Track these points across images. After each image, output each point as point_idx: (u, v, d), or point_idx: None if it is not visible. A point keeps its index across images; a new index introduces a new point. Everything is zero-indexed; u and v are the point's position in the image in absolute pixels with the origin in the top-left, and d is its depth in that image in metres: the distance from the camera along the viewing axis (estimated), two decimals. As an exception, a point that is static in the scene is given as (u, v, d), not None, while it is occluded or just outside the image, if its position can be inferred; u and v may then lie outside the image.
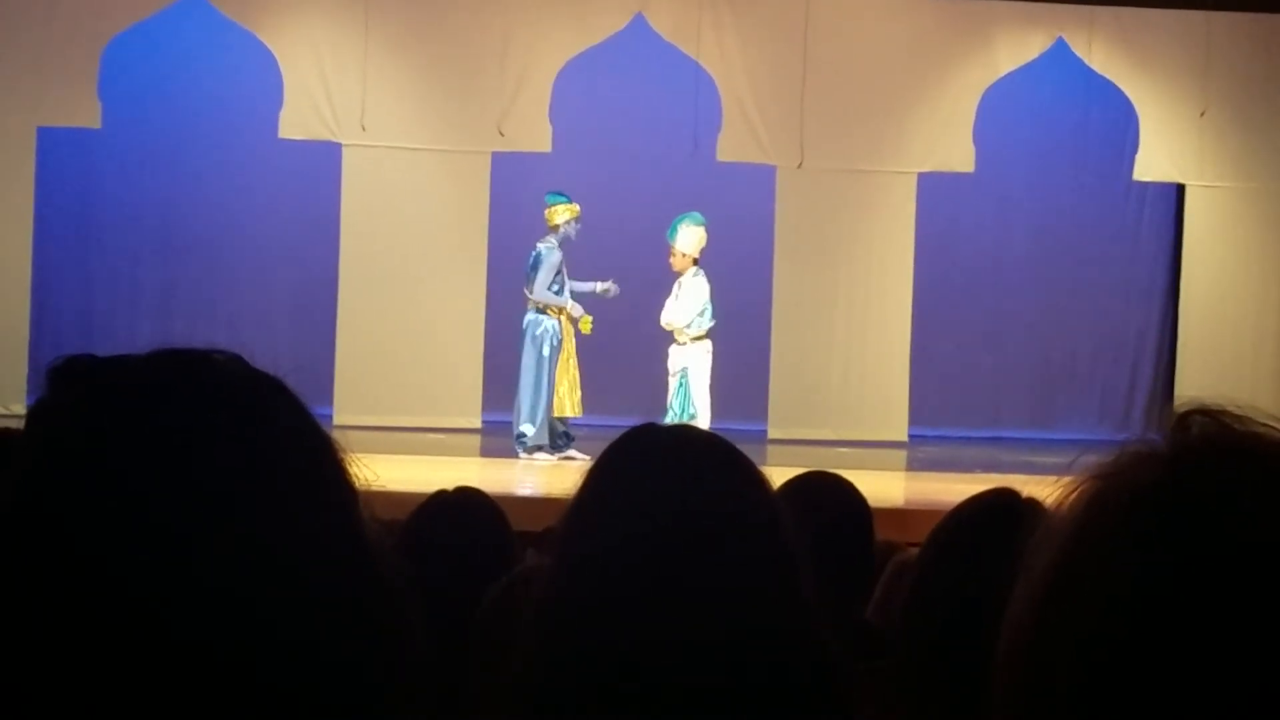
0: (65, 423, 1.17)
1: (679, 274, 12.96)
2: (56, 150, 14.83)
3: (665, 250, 13.07)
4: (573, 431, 12.94)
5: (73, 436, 1.15)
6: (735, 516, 2.01)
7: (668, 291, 13.06)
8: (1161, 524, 1.09)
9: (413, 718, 1.21)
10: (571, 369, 12.97)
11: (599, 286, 13.12)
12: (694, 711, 1.90)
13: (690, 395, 12.82)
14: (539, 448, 12.88)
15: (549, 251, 12.95)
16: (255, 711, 1.12)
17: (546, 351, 12.93)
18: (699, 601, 1.93)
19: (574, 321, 12.95)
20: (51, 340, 14.33)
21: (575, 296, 13.02)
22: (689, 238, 12.93)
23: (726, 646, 1.92)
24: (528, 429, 12.92)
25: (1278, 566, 1.07)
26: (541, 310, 12.97)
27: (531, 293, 12.99)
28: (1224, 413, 1.14)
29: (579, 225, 13.09)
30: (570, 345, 12.98)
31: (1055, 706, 1.11)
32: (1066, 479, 1.15)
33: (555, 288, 12.96)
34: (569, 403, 12.93)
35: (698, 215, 13.02)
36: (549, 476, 12.01)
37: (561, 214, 13.03)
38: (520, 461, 12.82)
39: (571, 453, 12.67)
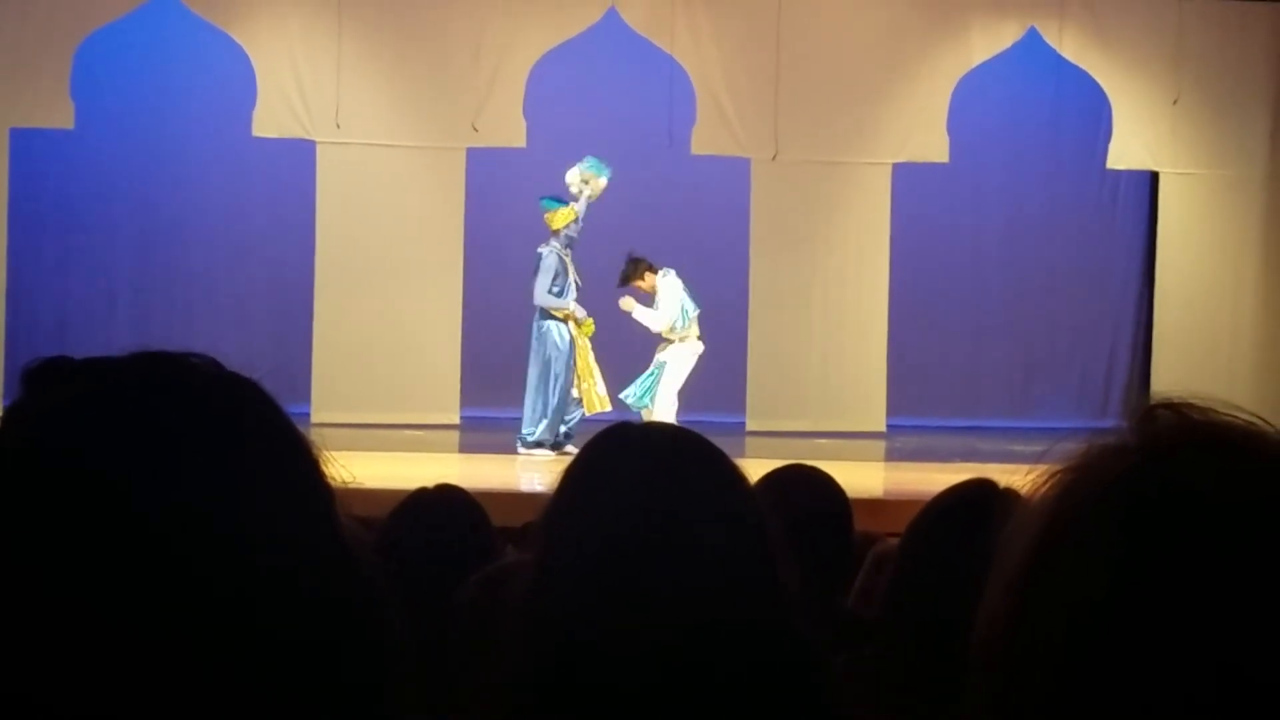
0: (42, 426, 1.17)
1: (652, 292, 13.01)
2: (30, 151, 14.77)
3: (640, 249, 13.16)
4: (573, 430, 12.85)
5: (49, 440, 1.16)
6: (711, 512, 2.01)
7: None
8: (1131, 514, 1.10)
9: (393, 715, 1.21)
10: (592, 366, 12.87)
11: (573, 307, 12.95)
12: (674, 707, 1.91)
13: (654, 389, 12.84)
14: (539, 444, 12.81)
15: (548, 254, 12.87)
16: (233, 710, 1.12)
17: (550, 357, 12.84)
18: (676, 597, 1.94)
19: (577, 324, 12.88)
20: (27, 342, 14.27)
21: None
22: (642, 279, 13.03)
23: (705, 641, 1.92)
24: (530, 430, 12.87)
25: (1243, 553, 1.08)
26: (546, 315, 12.92)
27: (533, 298, 12.93)
28: (1188, 405, 1.15)
29: (580, 225, 13.02)
30: (583, 343, 12.89)
31: (1029, 695, 1.11)
32: (1038, 470, 1.16)
33: (556, 289, 12.88)
34: (597, 399, 12.85)
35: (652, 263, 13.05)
36: (529, 471, 12.00)
37: (561, 219, 12.95)
38: (499, 457, 12.79)
39: (570, 449, 12.58)
